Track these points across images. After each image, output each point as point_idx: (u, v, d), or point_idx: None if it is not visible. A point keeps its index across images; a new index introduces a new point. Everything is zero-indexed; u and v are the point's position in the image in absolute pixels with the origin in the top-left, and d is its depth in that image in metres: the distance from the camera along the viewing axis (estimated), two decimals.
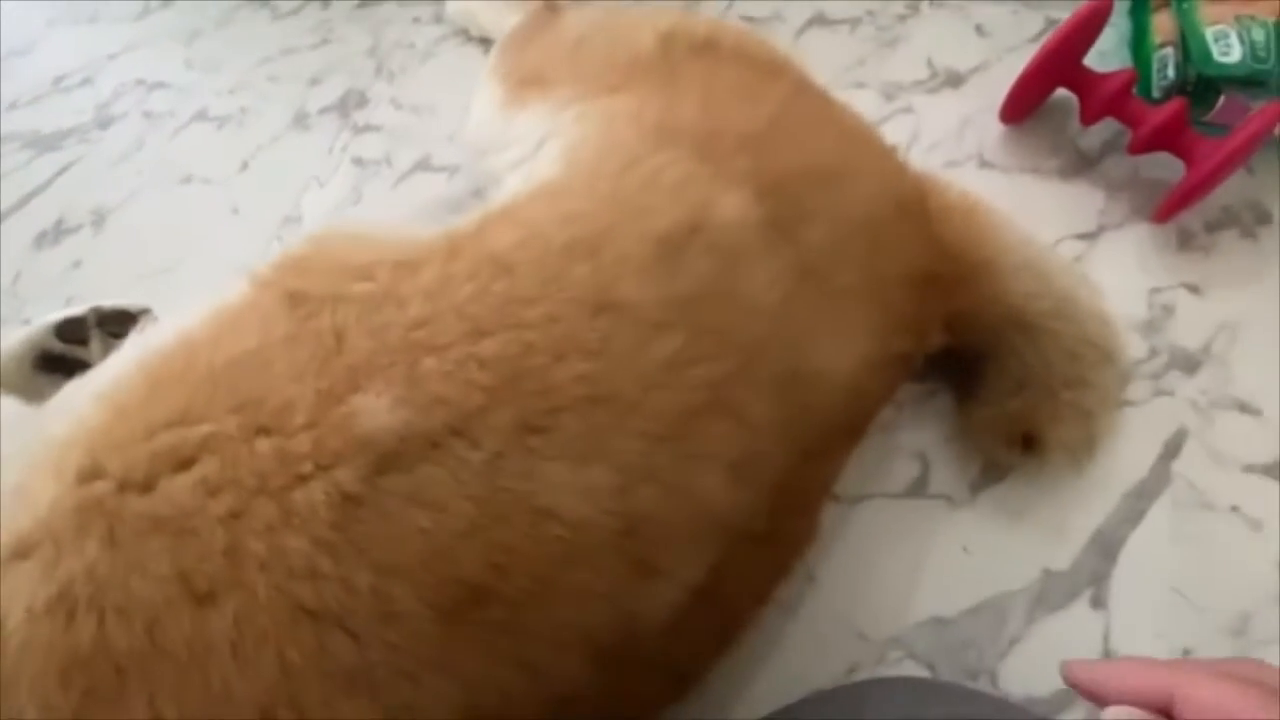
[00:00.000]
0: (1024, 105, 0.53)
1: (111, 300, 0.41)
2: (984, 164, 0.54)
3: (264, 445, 0.24)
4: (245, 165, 0.64)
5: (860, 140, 0.39)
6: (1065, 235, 0.51)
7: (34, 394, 0.38)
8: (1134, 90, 0.49)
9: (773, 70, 0.38)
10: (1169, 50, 0.52)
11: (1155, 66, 0.52)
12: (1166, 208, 0.48)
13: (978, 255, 0.40)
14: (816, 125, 0.37)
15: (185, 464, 0.25)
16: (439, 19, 0.68)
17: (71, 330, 0.39)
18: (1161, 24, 0.54)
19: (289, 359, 0.27)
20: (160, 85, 0.70)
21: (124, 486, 0.24)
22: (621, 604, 0.26)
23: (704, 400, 0.28)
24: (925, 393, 0.46)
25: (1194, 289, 0.48)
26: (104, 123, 0.69)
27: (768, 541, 0.31)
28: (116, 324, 0.41)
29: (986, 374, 0.41)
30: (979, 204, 0.42)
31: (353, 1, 0.71)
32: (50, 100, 0.72)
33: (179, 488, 0.24)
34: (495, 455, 0.25)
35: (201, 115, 0.67)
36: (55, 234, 0.63)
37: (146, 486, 0.24)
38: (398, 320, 0.27)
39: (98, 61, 0.73)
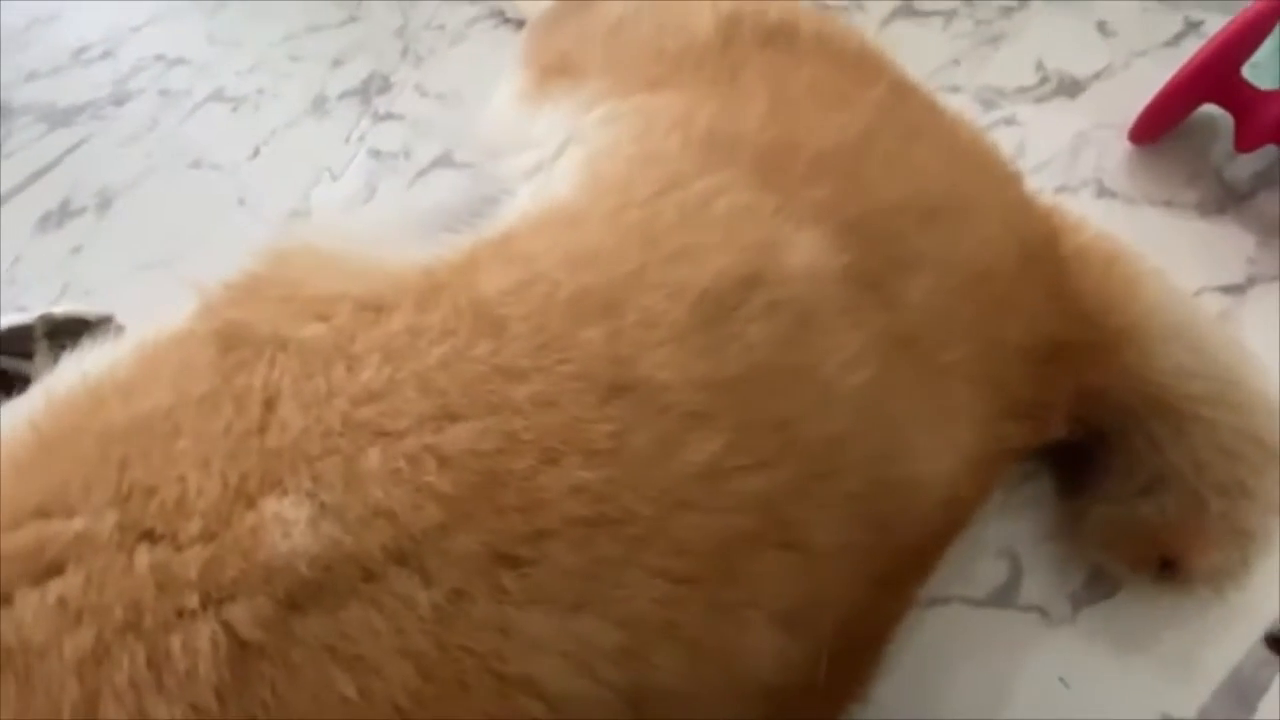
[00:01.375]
0: (1161, 124, 0.44)
1: (66, 306, 0.36)
2: (1103, 191, 0.45)
3: (144, 559, 0.18)
4: (257, 151, 0.58)
5: (976, 164, 0.30)
6: (1205, 287, 0.41)
7: None
8: None
9: (863, 68, 0.30)
10: None
11: None
12: None
13: (1120, 318, 0.30)
14: (920, 143, 0.28)
15: (47, 573, 0.18)
16: None
17: (16, 341, 0.34)
18: None
19: (201, 429, 0.20)
20: (180, 61, 0.65)
21: None
22: None
23: (753, 526, 0.20)
24: (1020, 474, 0.37)
25: None
26: (120, 99, 0.64)
27: (819, 695, 0.24)
28: (69, 334, 0.35)
29: (1111, 464, 0.32)
30: (1122, 249, 0.33)
31: None
32: (69, 72, 0.68)
33: (33, 608, 0.18)
34: (453, 595, 0.18)
35: (218, 95, 0.62)
36: (60, 216, 0.59)
37: (2, 598, 0.18)
38: (344, 388, 0.20)
39: (120, 33, 0.69)
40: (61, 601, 0.18)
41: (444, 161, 0.54)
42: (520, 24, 0.58)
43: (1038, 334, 0.27)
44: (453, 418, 0.19)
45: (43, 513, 0.20)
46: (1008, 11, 0.53)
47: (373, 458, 0.19)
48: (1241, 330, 0.40)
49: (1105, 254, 0.32)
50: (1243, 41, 0.39)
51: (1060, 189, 0.46)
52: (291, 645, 0.17)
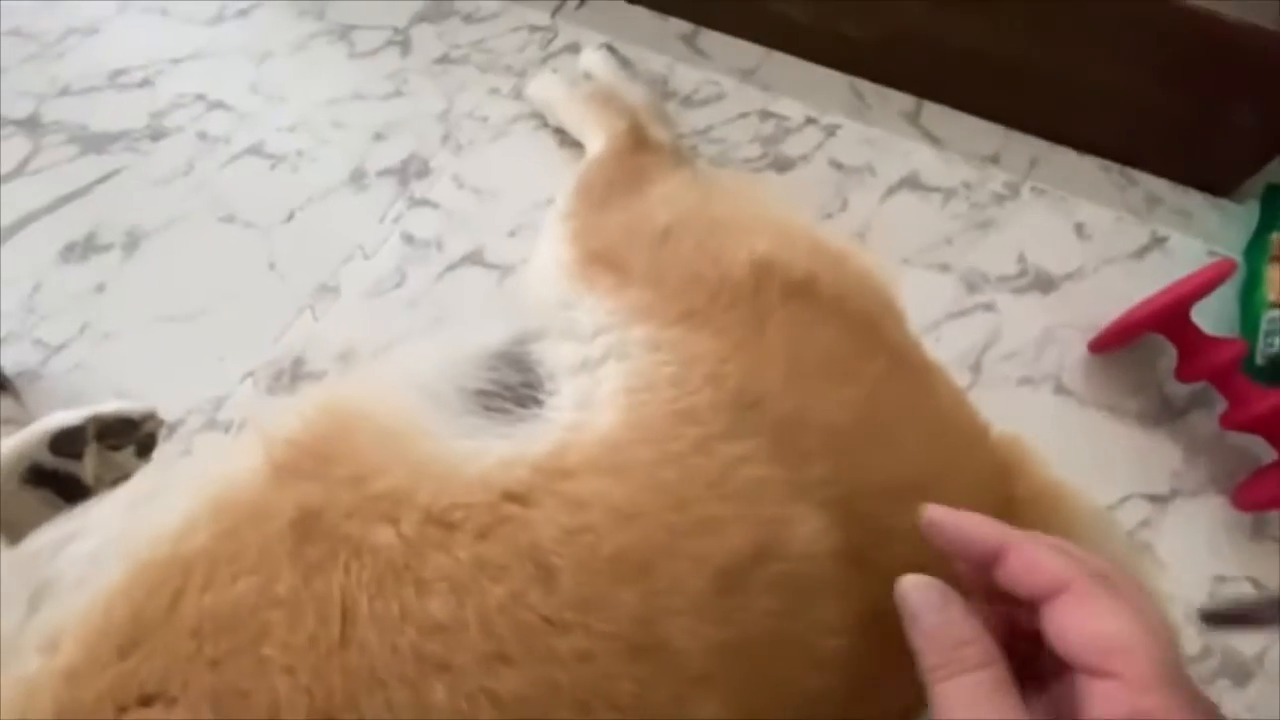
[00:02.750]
0: (1119, 342, 0.50)
1: (113, 405, 0.38)
2: (1060, 388, 0.51)
3: None
4: (291, 216, 0.61)
5: (957, 427, 0.35)
6: (1134, 493, 0.48)
7: (20, 510, 0.35)
8: (1242, 365, 0.46)
9: (869, 335, 0.34)
10: None
11: (1263, 328, 0.49)
12: (1250, 498, 0.45)
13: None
14: (910, 415, 0.33)
15: None
16: (518, 95, 0.65)
17: (67, 443, 0.36)
18: (1278, 279, 0.51)
19: (287, 638, 0.23)
20: (221, 105, 0.67)
21: None
22: None
23: None
24: None
25: (1259, 585, 0.45)
26: (156, 134, 0.66)
27: None
28: (117, 435, 0.38)
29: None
30: (1068, 493, 0.38)
31: (433, 56, 0.68)
32: (104, 95, 0.69)
33: None
34: None
35: (257, 149, 0.64)
36: (85, 249, 0.60)
37: None
38: (414, 615, 0.24)
39: (161, 63, 0.70)
40: None
41: (474, 259, 0.58)
42: (559, 132, 0.62)
43: None
44: (506, 661, 0.23)
45: (143, 700, 0.23)
46: (1000, 199, 0.59)
47: (439, 692, 0.23)
48: (1160, 537, 0.47)
49: (1053, 498, 0.37)
50: (1196, 293, 0.45)
51: (1024, 380, 0.52)
52: None
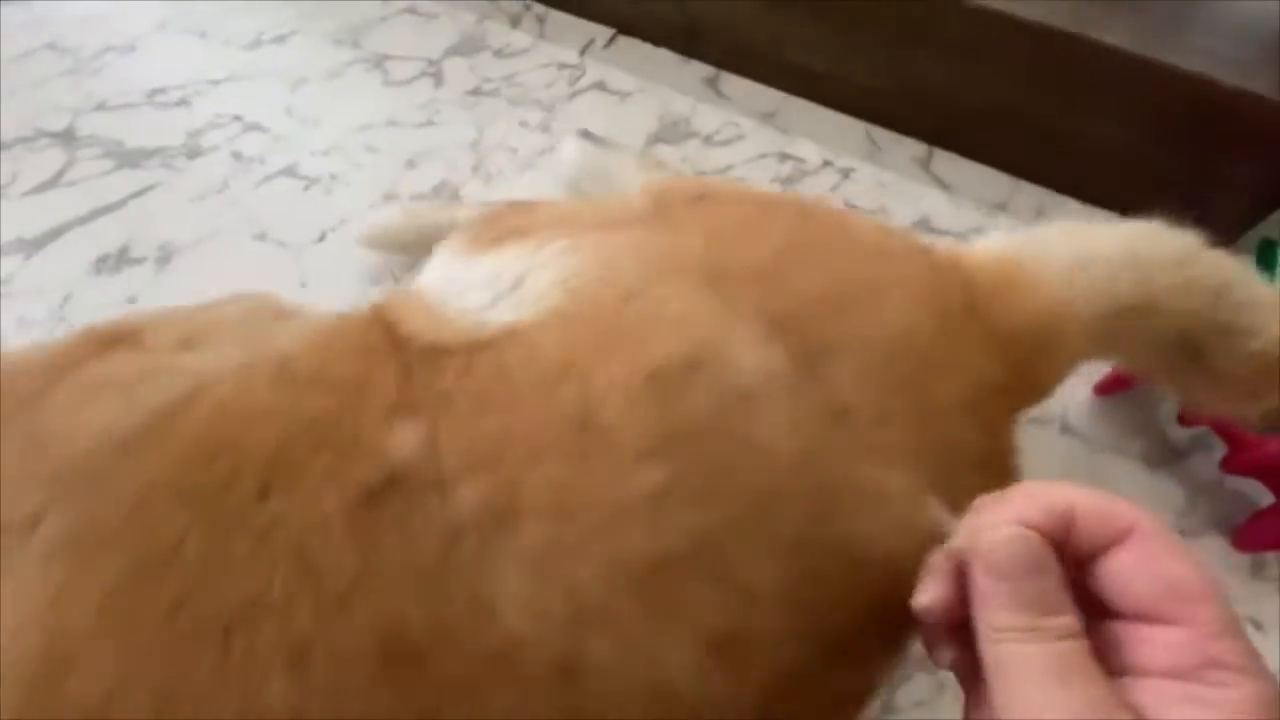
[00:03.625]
0: (1123, 387, 0.52)
1: None
2: (1066, 429, 0.53)
3: None
4: (323, 236, 0.62)
5: (885, 250, 0.35)
6: None
7: None
8: None
9: (774, 202, 0.36)
10: None
11: None
12: (1250, 540, 0.47)
13: (1043, 319, 0.34)
14: (832, 245, 0.33)
15: None
16: (546, 128, 0.68)
17: None
18: None
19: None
20: (256, 127, 0.69)
21: None
22: None
23: (684, 550, 0.24)
24: None
25: (1258, 625, 0.47)
26: (192, 152, 0.67)
27: None
28: None
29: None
30: (1018, 261, 0.36)
31: (465, 88, 0.71)
32: (141, 112, 0.71)
33: None
34: (457, 527, 0.23)
35: (291, 171, 0.66)
36: (118, 261, 0.61)
37: None
38: None
39: (198, 84, 0.72)
40: None
41: None
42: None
43: (972, 385, 0.31)
44: (483, 413, 0.25)
45: None
46: None
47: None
48: None
49: (1007, 276, 0.35)
50: None
51: (1032, 419, 0.54)
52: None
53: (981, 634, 0.21)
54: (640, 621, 0.23)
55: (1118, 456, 0.52)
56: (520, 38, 0.74)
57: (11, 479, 0.23)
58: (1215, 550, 0.49)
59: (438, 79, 0.72)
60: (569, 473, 0.24)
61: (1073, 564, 0.21)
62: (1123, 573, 0.20)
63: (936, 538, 0.25)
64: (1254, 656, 0.19)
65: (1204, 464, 0.51)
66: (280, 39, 0.75)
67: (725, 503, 0.25)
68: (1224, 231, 0.60)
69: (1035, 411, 0.53)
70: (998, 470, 0.33)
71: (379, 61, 0.73)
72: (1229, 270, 0.37)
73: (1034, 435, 0.53)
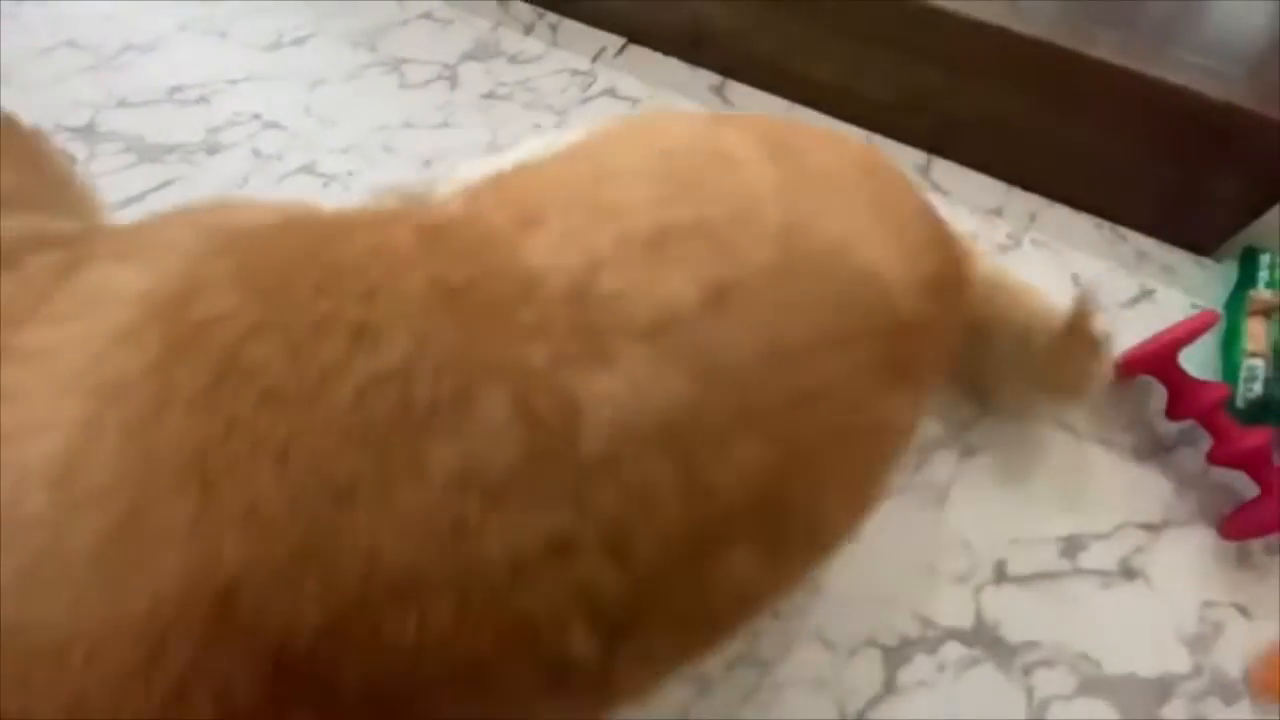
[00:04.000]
0: (1113, 382, 0.54)
1: None
2: (1061, 423, 0.55)
3: None
4: None
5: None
6: (1129, 521, 0.51)
7: None
8: (1225, 406, 0.50)
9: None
10: (1259, 362, 0.54)
11: (1243, 375, 0.54)
12: (1235, 528, 0.49)
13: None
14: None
15: None
16: (559, 129, 0.70)
17: None
18: (1255, 331, 0.55)
19: None
20: (275, 125, 0.70)
21: None
22: None
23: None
24: None
25: (1244, 611, 0.48)
26: (212, 149, 0.69)
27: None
28: None
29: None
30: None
31: (480, 91, 0.73)
32: (161, 109, 0.72)
33: None
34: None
35: (309, 168, 0.68)
36: None
37: None
38: None
39: (218, 83, 0.74)
40: None
41: None
42: None
43: (928, 240, 0.37)
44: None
45: None
46: (1004, 249, 0.64)
47: None
48: (1154, 562, 0.50)
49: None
50: (1183, 340, 0.50)
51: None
52: None
53: None
54: (644, 268, 0.29)
55: (1108, 449, 0.54)
56: (534, 44, 0.77)
57: None
58: (1203, 539, 0.51)
59: (453, 82, 0.74)
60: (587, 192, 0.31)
61: None
62: None
63: None
64: None
65: (1191, 457, 0.53)
66: (299, 41, 0.77)
67: (713, 202, 0.32)
68: (1209, 237, 0.63)
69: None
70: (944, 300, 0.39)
71: (396, 65, 0.75)
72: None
73: (1030, 428, 0.55)
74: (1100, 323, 0.47)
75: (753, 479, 0.28)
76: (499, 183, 0.34)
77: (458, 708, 0.26)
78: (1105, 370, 0.49)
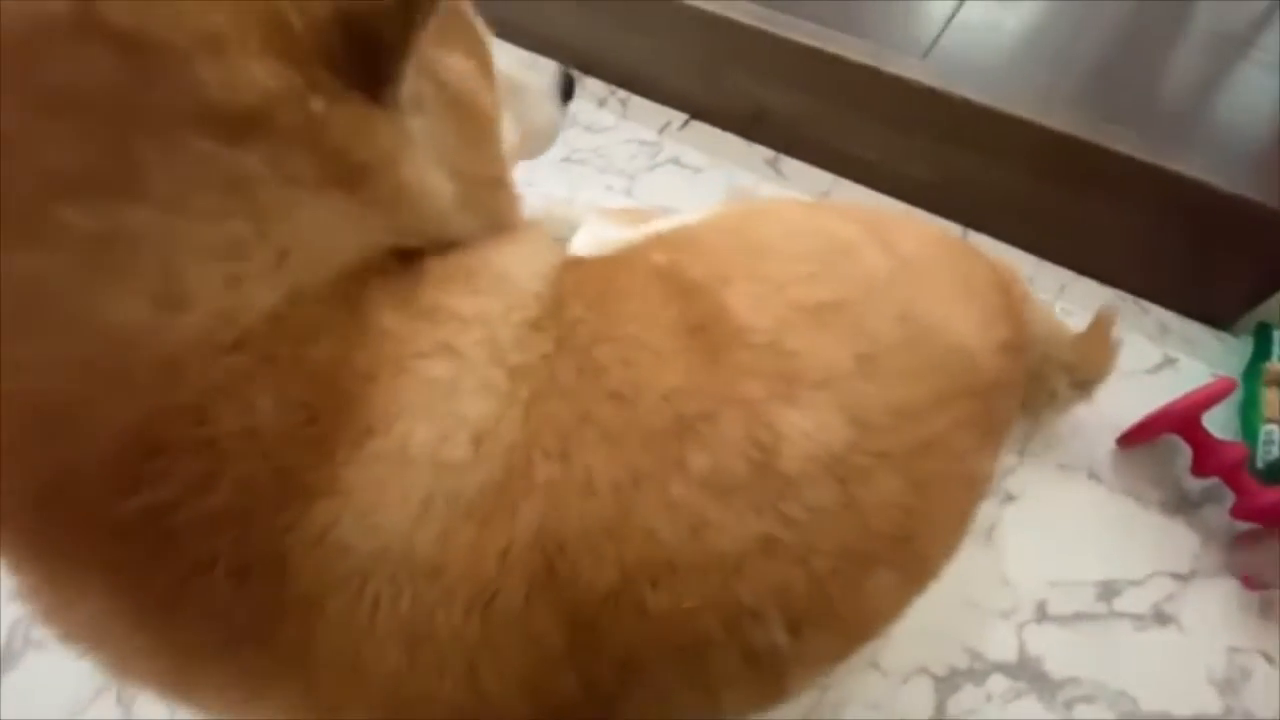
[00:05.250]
0: (1142, 439, 0.59)
1: None
2: (1093, 475, 0.60)
3: None
4: None
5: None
6: (1160, 570, 0.55)
7: None
8: (1246, 465, 0.55)
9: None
10: (1275, 428, 0.59)
11: (1261, 439, 0.58)
12: (1259, 582, 0.53)
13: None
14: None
15: None
16: (629, 193, 0.77)
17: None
18: (1271, 399, 0.61)
19: None
20: None
21: None
22: None
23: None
24: None
25: (1270, 659, 0.52)
26: None
27: None
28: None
29: None
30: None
31: (559, 156, 0.81)
32: None
33: None
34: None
35: None
36: None
37: None
38: None
39: None
40: None
41: None
42: None
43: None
44: None
45: None
46: None
47: None
48: (1184, 609, 0.54)
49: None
50: (1206, 402, 0.55)
51: (1061, 466, 0.60)
52: None
53: None
54: (811, 335, 0.36)
55: (1138, 503, 0.58)
56: (606, 116, 0.85)
57: None
58: (1229, 590, 0.54)
59: None
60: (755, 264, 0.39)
61: None
62: None
63: None
64: None
65: (1215, 512, 0.57)
66: None
67: (847, 284, 0.39)
68: (1226, 313, 0.69)
69: (1065, 459, 0.61)
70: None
71: None
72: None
73: (1063, 481, 0.59)
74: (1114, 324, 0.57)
75: (893, 510, 0.34)
76: (675, 242, 0.41)
77: (676, 682, 0.31)
78: (1114, 362, 0.57)
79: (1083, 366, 0.55)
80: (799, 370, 0.34)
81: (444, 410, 0.28)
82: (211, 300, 0.24)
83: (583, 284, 0.35)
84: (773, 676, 0.33)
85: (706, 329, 0.35)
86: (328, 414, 0.26)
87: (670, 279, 0.37)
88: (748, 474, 0.31)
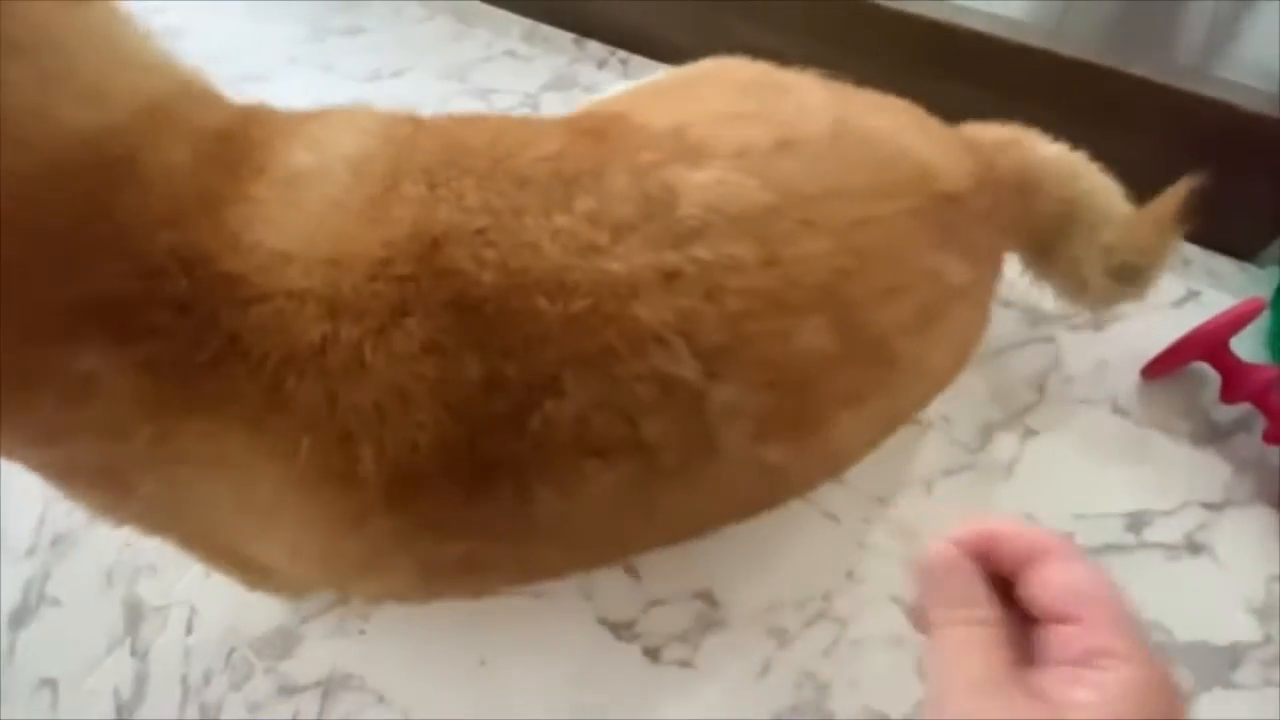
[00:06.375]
0: (1167, 368, 0.57)
1: None
2: (1117, 409, 0.58)
3: None
4: None
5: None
6: (1191, 500, 0.53)
7: None
8: (1278, 388, 0.53)
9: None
10: None
11: None
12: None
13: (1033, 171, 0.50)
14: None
15: None
16: None
17: None
18: None
19: None
20: None
21: None
22: None
23: None
24: None
25: None
26: None
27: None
28: None
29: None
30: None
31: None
32: None
33: None
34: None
35: None
36: None
37: None
38: None
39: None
40: None
41: None
42: None
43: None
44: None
45: None
46: None
47: None
48: (1218, 538, 0.52)
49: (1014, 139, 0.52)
50: (1233, 325, 0.53)
51: (1083, 400, 0.58)
52: None
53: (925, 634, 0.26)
54: (724, 126, 0.37)
55: (1166, 435, 0.56)
56: (606, 77, 0.84)
57: None
58: (1264, 517, 0.52)
59: (534, 108, 0.81)
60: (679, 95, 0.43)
61: (1002, 581, 0.25)
62: (1038, 583, 0.24)
63: None
64: (1140, 647, 0.22)
65: (1246, 443, 0.55)
66: (397, 73, 0.86)
67: (775, 101, 0.41)
68: (1250, 244, 0.67)
69: (1088, 394, 0.59)
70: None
71: (484, 94, 0.83)
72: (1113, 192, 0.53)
73: (1086, 414, 0.57)
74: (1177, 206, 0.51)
75: (820, 266, 0.34)
76: (611, 100, 0.45)
77: (586, 398, 0.32)
78: (1165, 250, 0.52)
79: (1122, 247, 0.49)
80: (705, 145, 0.35)
81: (326, 150, 0.34)
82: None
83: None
84: (694, 414, 0.33)
85: (599, 131, 0.37)
86: (235, 158, 0.33)
87: (565, 121, 0.39)
88: (639, 217, 0.33)
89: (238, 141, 0.33)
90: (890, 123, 0.40)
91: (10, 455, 0.33)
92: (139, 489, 0.33)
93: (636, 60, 0.86)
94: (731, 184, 0.34)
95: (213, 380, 0.30)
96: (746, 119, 0.37)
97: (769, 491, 0.41)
